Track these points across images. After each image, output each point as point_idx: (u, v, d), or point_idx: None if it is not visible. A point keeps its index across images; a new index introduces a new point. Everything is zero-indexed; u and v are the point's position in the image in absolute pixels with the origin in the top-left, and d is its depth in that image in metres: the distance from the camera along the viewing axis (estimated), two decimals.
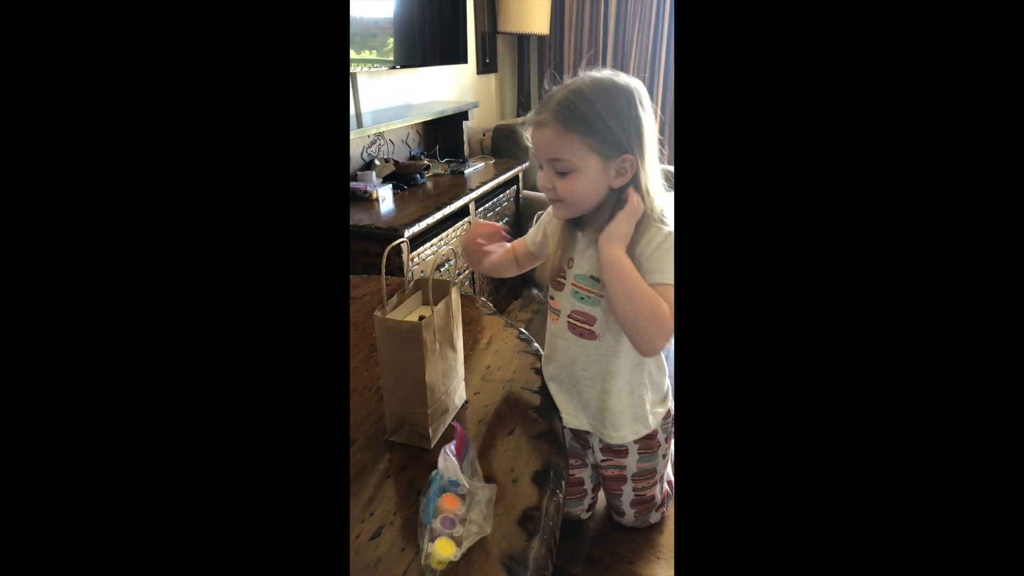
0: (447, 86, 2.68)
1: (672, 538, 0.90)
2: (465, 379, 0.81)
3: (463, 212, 1.92)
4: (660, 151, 0.76)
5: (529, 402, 0.80)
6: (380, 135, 2.13)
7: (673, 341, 0.73)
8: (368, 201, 1.75)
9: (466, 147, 2.40)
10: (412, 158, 2.26)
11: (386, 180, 1.92)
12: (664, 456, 0.90)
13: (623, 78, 0.74)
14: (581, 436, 0.91)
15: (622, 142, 0.72)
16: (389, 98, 2.26)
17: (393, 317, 0.71)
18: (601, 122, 0.71)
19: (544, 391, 0.83)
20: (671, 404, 0.89)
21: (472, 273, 2.03)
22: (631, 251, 0.74)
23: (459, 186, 2.00)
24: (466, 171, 2.21)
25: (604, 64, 2.97)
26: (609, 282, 0.73)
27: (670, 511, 0.95)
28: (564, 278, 0.83)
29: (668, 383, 0.89)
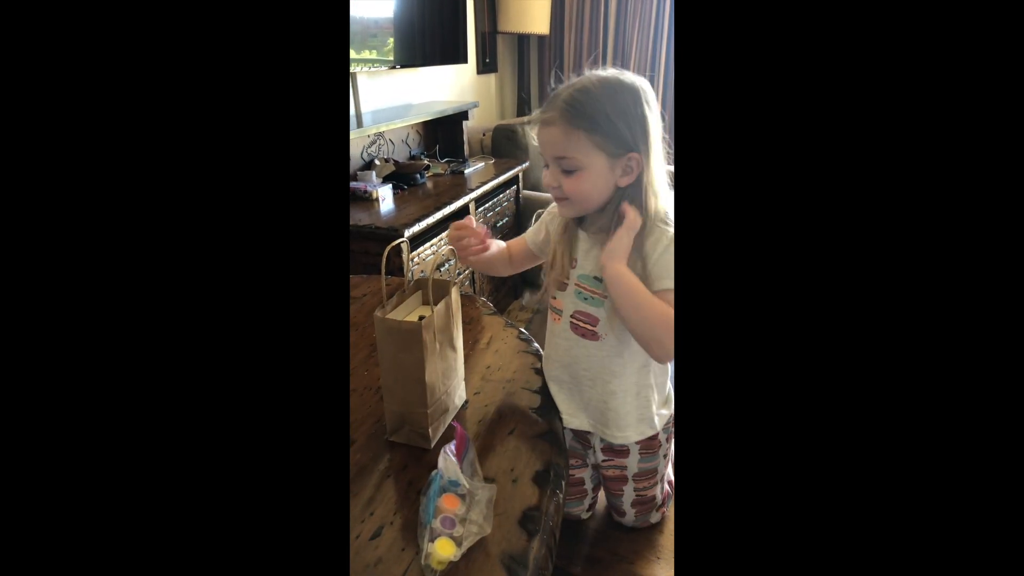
0: (447, 86, 2.68)
1: (672, 538, 0.90)
2: (465, 379, 0.81)
3: (463, 212, 1.92)
4: (666, 150, 0.76)
5: (529, 402, 0.80)
6: (380, 135, 2.13)
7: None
8: (368, 201, 1.75)
9: (466, 147, 2.40)
10: (412, 158, 2.26)
11: (386, 180, 1.92)
12: (665, 456, 0.90)
13: (629, 77, 0.74)
14: (582, 436, 0.91)
15: (628, 140, 0.72)
16: (389, 98, 2.26)
17: (393, 317, 0.71)
18: (608, 120, 0.71)
19: (544, 391, 0.83)
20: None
21: (472, 273, 2.03)
22: (638, 252, 0.74)
23: (459, 186, 2.00)
24: (466, 171, 2.21)
25: (604, 64, 2.97)
26: (617, 299, 0.73)
27: (670, 511, 0.94)
28: (567, 278, 0.83)
29: (670, 385, 0.89)
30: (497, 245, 0.97)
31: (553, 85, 0.78)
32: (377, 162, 2.06)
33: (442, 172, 2.18)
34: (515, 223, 2.41)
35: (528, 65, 3.24)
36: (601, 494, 0.96)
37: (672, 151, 0.69)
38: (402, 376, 0.69)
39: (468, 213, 1.96)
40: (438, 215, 1.71)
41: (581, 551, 0.90)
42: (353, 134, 1.72)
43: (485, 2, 2.83)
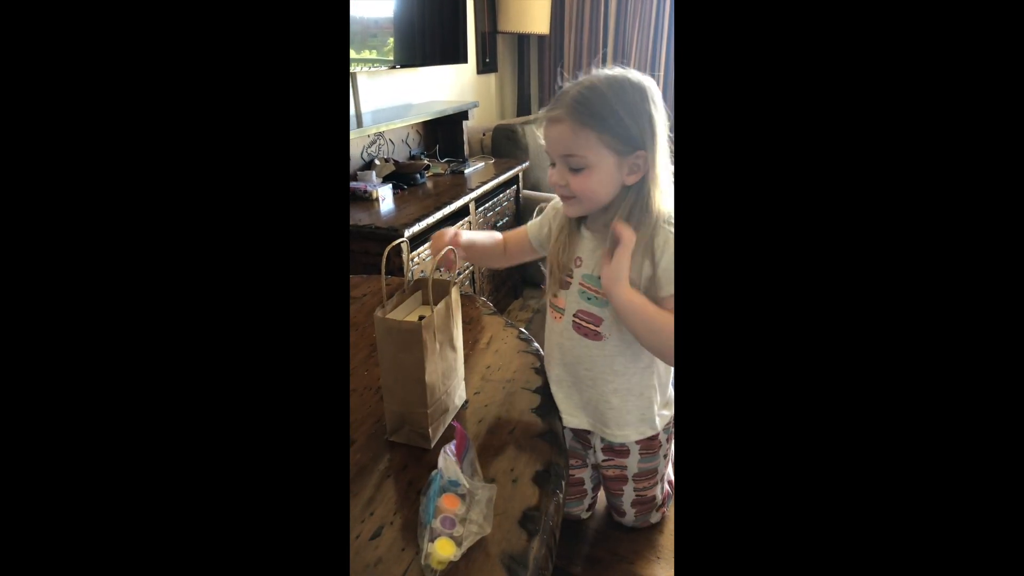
0: (447, 86, 2.68)
1: (672, 538, 0.90)
2: (465, 379, 0.81)
3: (463, 212, 1.92)
4: (670, 149, 0.76)
5: (529, 402, 0.80)
6: (380, 135, 2.13)
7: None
8: (368, 201, 1.75)
9: (466, 147, 2.40)
10: (412, 158, 2.26)
11: (386, 180, 1.92)
12: (665, 456, 0.90)
13: (636, 75, 0.74)
14: (582, 436, 0.91)
15: (636, 138, 0.72)
16: (389, 98, 2.26)
17: (393, 317, 0.71)
18: (616, 118, 0.71)
19: (544, 391, 0.83)
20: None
21: (472, 273, 2.03)
22: (646, 254, 0.74)
23: (459, 186, 2.00)
24: (466, 171, 2.21)
25: (604, 64, 2.98)
26: (628, 324, 0.74)
27: (670, 511, 0.94)
28: (571, 277, 0.82)
29: (671, 388, 0.89)
30: (491, 236, 0.96)
31: (560, 84, 0.78)
32: (377, 162, 2.06)
33: (442, 172, 2.18)
34: (515, 223, 2.41)
35: (528, 65, 3.24)
36: (601, 494, 0.96)
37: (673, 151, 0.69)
38: (402, 376, 0.69)
39: (468, 213, 1.96)
40: (438, 215, 1.71)
41: (581, 551, 0.90)
42: (353, 134, 1.72)
43: (485, 2, 2.83)
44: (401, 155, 2.27)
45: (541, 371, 0.88)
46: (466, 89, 2.86)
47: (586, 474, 0.93)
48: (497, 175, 2.18)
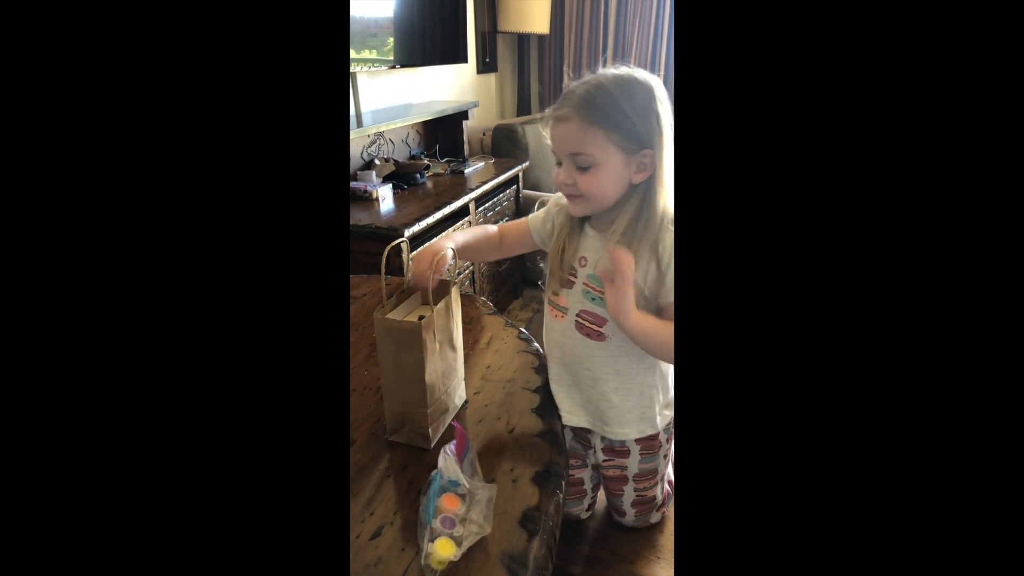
0: (447, 86, 2.68)
1: (672, 538, 0.90)
2: (465, 379, 0.81)
3: (463, 212, 1.92)
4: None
5: (529, 402, 0.80)
6: (380, 135, 2.13)
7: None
8: (368, 201, 1.75)
9: (466, 147, 2.40)
10: (412, 158, 2.26)
11: (386, 180, 1.92)
12: (665, 456, 0.90)
13: (643, 74, 0.74)
14: (582, 436, 0.91)
15: (643, 137, 0.72)
16: (389, 98, 2.26)
17: (393, 317, 0.71)
18: (624, 116, 0.71)
19: (544, 391, 0.83)
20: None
21: (472, 273, 2.03)
22: (652, 255, 0.74)
23: (459, 186, 2.00)
24: (466, 171, 2.21)
25: (604, 64, 2.98)
26: (642, 346, 0.75)
27: (670, 511, 0.94)
28: (575, 276, 0.82)
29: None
30: (483, 232, 0.95)
31: (565, 82, 0.78)
32: (377, 162, 2.06)
33: (442, 172, 2.18)
34: None
35: (528, 65, 3.24)
36: (601, 494, 0.96)
37: None
38: (402, 376, 0.69)
39: (468, 213, 1.96)
40: (438, 215, 1.71)
41: (581, 551, 0.90)
42: (353, 134, 1.72)
43: (485, 2, 2.83)
44: (401, 155, 2.27)
45: (541, 371, 0.87)
46: (466, 89, 2.86)
47: (586, 474, 0.92)
48: (497, 175, 2.18)
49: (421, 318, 0.67)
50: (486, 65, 2.99)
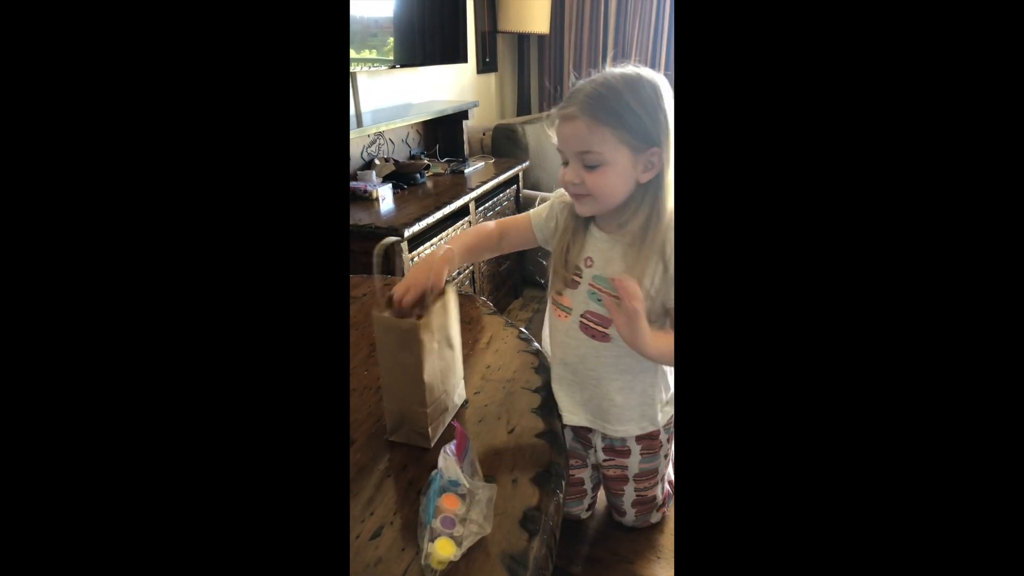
0: (447, 85, 2.68)
1: (673, 538, 0.90)
2: (465, 379, 0.81)
3: (463, 211, 1.92)
4: None
5: (529, 402, 0.80)
6: (380, 135, 2.13)
7: None
8: (368, 201, 1.75)
9: (466, 146, 2.40)
10: (412, 157, 2.26)
11: (386, 179, 1.92)
12: (666, 456, 0.90)
13: (649, 72, 0.73)
14: (583, 436, 0.91)
15: (651, 135, 0.72)
16: (389, 98, 2.26)
17: (391, 316, 0.71)
18: (632, 114, 0.71)
19: (544, 391, 0.83)
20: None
21: (472, 273, 2.03)
22: (660, 256, 0.74)
23: (459, 185, 2.00)
24: (466, 170, 2.21)
25: (604, 64, 2.98)
26: (663, 363, 0.78)
27: (671, 511, 0.94)
28: (580, 277, 0.81)
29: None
30: (479, 233, 0.92)
31: (565, 82, 0.78)
32: (377, 162, 2.06)
33: (442, 172, 2.18)
34: None
35: (528, 65, 3.23)
36: (601, 494, 0.96)
37: None
38: (401, 375, 0.69)
39: (468, 213, 1.96)
40: (438, 215, 1.71)
41: (581, 551, 0.90)
42: (353, 134, 1.72)
43: (485, 1, 2.83)
44: (401, 155, 2.27)
45: (541, 371, 0.87)
46: (466, 89, 2.86)
47: (586, 474, 0.92)
48: (497, 175, 2.18)
49: (419, 317, 0.67)
50: (486, 65, 2.99)
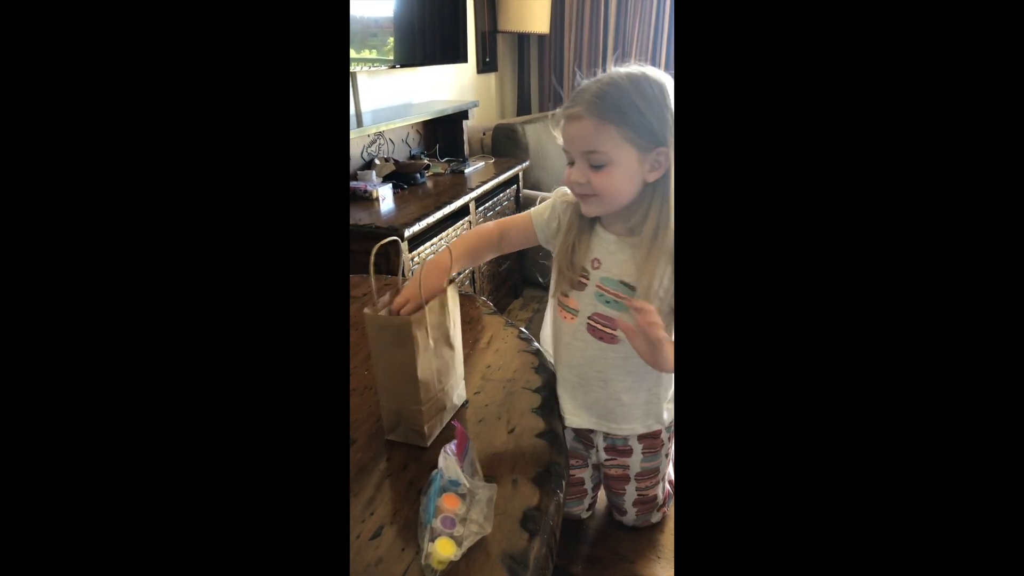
0: (447, 85, 2.68)
1: (673, 537, 0.90)
2: (465, 379, 0.81)
3: (463, 211, 1.92)
4: None
5: (529, 402, 0.80)
6: (380, 134, 2.13)
7: None
8: (368, 200, 1.75)
9: (466, 146, 2.40)
10: (412, 157, 2.26)
11: (386, 179, 1.92)
12: (667, 455, 0.90)
13: (654, 71, 0.73)
14: (583, 436, 0.91)
15: (658, 134, 0.71)
16: (389, 97, 2.26)
17: (383, 314, 0.71)
18: (638, 113, 0.70)
19: (544, 391, 0.83)
20: None
21: (472, 273, 2.03)
22: (668, 258, 0.74)
23: (459, 185, 2.00)
24: (466, 170, 2.21)
25: (604, 64, 2.97)
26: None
27: (671, 510, 0.94)
28: (587, 278, 0.80)
29: None
30: (477, 236, 0.91)
31: (566, 82, 0.77)
32: (377, 162, 2.06)
33: (442, 171, 2.18)
34: None
35: (528, 64, 3.23)
36: (601, 493, 0.96)
37: None
38: (395, 373, 0.68)
39: (468, 212, 1.96)
40: (438, 214, 1.71)
41: (582, 551, 0.90)
42: (353, 134, 1.72)
43: (485, 1, 2.83)
44: (401, 155, 2.27)
45: (541, 371, 0.87)
46: (466, 89, 2.86)
47: (586, 474, 0.92)
48: (497, 175, 2.18)
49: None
50: (486, 65, 2.99)
